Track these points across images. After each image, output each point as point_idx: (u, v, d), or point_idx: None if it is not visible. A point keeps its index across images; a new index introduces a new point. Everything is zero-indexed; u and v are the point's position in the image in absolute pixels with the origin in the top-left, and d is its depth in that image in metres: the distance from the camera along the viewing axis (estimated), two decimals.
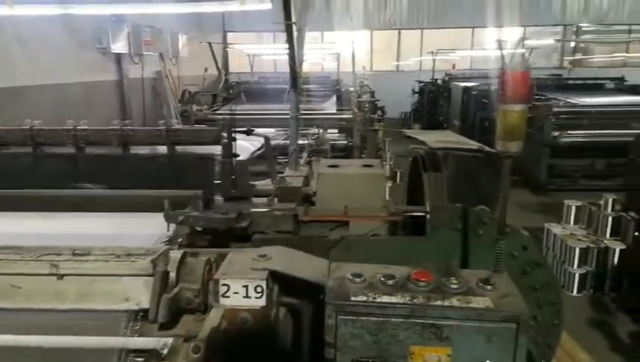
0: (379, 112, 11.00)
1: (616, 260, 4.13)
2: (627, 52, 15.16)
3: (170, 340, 1.32)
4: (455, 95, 9.15)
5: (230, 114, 5.73)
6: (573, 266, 4.27)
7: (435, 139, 2.38)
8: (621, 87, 8.90)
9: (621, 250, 4.11)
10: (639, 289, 3.92)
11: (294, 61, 2.33)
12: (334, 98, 8.87)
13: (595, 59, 17.13)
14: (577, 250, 4.24)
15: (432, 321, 1.28)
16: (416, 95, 13.67)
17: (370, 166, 2.54)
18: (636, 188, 4.15)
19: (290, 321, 1.54)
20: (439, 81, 12.32)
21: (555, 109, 7.17)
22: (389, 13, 16.44)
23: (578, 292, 4.27)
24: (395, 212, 1.86)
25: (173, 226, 1.71)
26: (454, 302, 1.30)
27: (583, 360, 3.16)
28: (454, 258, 1.74)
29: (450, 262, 1.74)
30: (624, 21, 15.12)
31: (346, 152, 6.39)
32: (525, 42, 13.03)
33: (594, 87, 9.10)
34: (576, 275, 4.25)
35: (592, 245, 4.24)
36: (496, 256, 1.47)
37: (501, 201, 1.49)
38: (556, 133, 7.20)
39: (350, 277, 1.41)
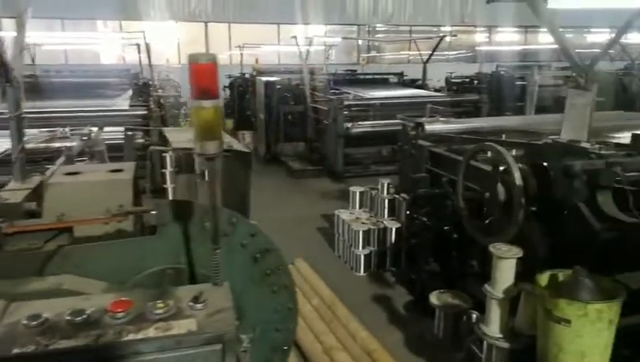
0: (184, 107, 10.56)
1: (393, 238, 4.57)
2: (410, 50, 17.33)
3: None
4: (259, 89, 9.23)
5: None
6: (358, 248, 4.59)
7: (187, 138, 2.19)
8: (401, 81, 10.09)
9: (396, 229, 4.55)
10: (414, 262, 4.38)
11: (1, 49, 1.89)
12: (129, 92, 8.14)
13: (386, 56, 19.28)
14: (361, 233, 4.57)
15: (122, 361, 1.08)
16: (227, 89, 13.49)
17: (119, 171, 2.24)
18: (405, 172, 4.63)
19: None
20: (247, 76, 12.33)
21: (347, 102, 7.72)
22: (194, 5, 15.91)
23: (364, 271, 4.62)
24: (117, 213, 1.63)
25: None
26: (151, 332, 1.13)
27: (363, 338, 3.37)
28: (184, 256, 1.62)
29: (180, 263, 1.62)
30: (406, 22, 17.23)
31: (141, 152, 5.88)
32: (325, 40, 13.91)
33: (381, 81, 10.12)
34: (362, 256, 4.58)
35: (372, 227, 4.61)
36: (214, 268, 1.35)
37: (212, 209, 1.37)
38: (349, 125, 7.78)
39: (26, 321, 1.13)
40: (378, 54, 19.49)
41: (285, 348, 1.83)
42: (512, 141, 3.42)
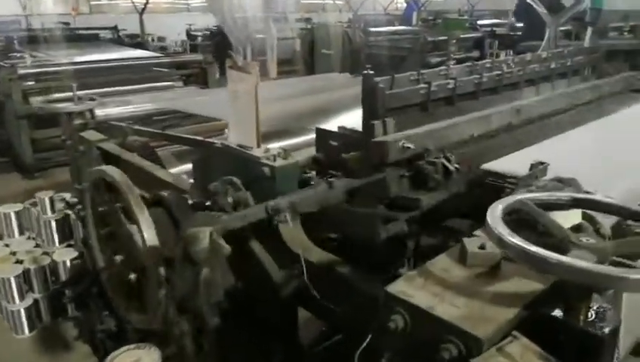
0: None
1: (69, 272, 3.26)
2: None
3: None
4: None
5: None
6: (13, 301, 3.14)
7: None
8: (116, 37, 8.24)
9: (73, 259, 3.25)
10: (103, 301, 3.19)
11: None
12: None
13: (120, 3, 16.61)
14: (12, 280, 3.11)
15: None
16: None
17: None
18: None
19: None
20: None
21: (22, 71, 5.73)
22: None
23: (30, 330, 3.22)
24: None
25: None
26: None
27: None
28: None
29: None
30: None
31: None
32: None
33: (88, 38, 8.07)
34: (22, 311, 3.16)
35: (32, 265, 3.20)
36: None
37: None
38: (40, 98, 5.87)
39: None
40: (107, 2, 16.72)
41: None
42: (186, 137, 2.42)
